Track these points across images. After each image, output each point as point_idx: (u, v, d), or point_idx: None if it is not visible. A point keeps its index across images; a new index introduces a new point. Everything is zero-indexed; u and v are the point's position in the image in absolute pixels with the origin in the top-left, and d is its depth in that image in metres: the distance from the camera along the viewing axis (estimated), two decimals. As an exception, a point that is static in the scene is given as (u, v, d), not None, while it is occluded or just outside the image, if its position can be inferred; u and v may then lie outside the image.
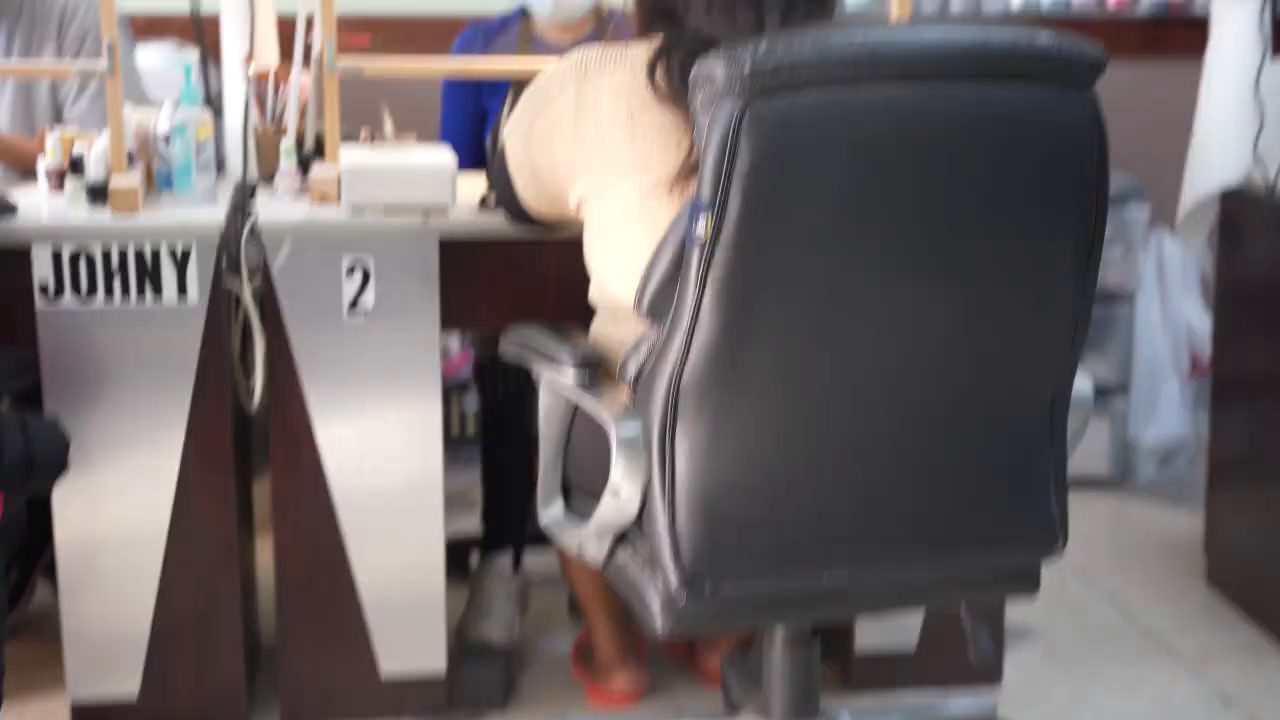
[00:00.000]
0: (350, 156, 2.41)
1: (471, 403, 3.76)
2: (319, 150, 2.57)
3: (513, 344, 2.24)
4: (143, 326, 2.37)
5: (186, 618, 2.46)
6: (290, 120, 2.58)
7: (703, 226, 1.79)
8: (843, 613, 2.35)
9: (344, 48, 2.48)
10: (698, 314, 1.83)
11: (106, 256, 2.34)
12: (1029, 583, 2.14)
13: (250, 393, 2.45)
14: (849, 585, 2.04)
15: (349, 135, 2.51)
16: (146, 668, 2.46)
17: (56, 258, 2.33)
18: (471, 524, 3.13)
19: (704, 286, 1.81)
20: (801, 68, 1.77)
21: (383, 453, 2.46)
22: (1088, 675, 2.78)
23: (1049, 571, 2.13)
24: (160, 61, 3.47)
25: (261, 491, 2.66)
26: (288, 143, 2.54)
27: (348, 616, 2.50)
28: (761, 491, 1.93)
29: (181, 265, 2.35)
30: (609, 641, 2.66)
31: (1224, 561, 3.12)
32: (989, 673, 2.69)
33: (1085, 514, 3.34)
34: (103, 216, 2.38)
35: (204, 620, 2.47)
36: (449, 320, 2.45)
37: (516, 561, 2.92)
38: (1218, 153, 3.13)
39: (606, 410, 1.98)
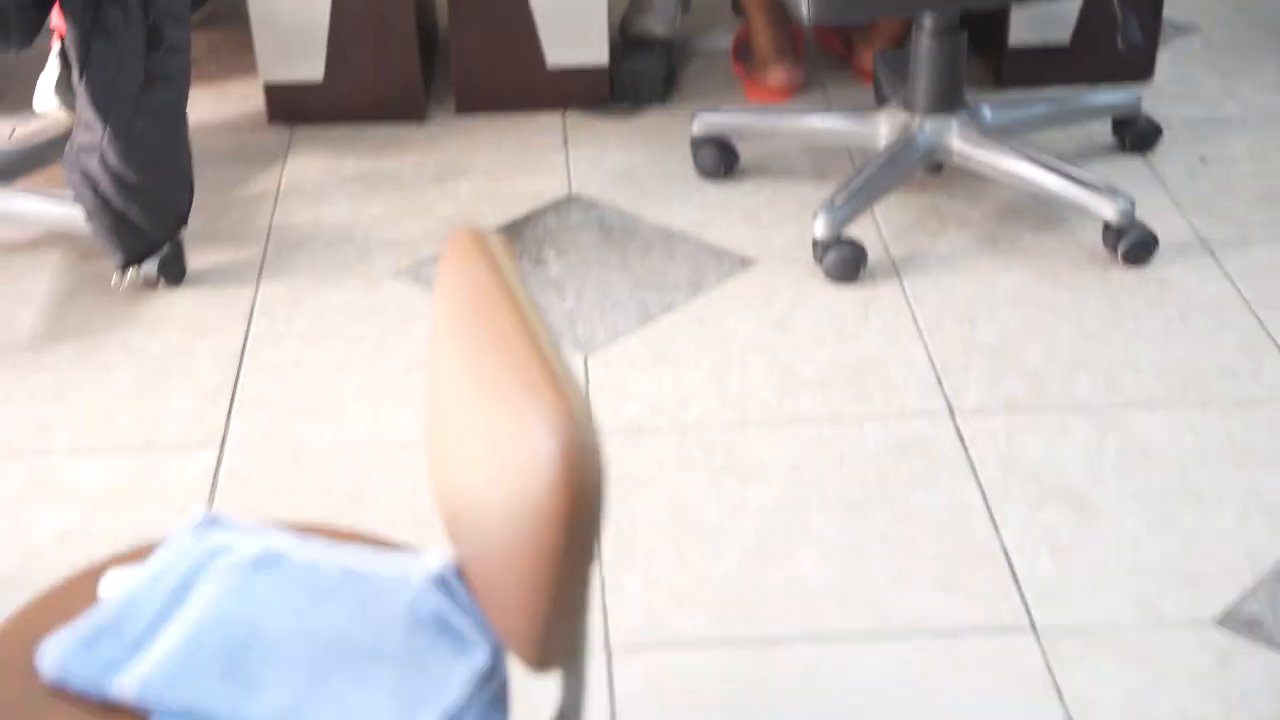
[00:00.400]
0: None
1: None
2: None
3: None
4: None
5: (363, 8, 2.59)
6: None
7: None
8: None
9: None
10: None
11: None
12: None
13: None
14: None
15: None
16: (329, 54, 2.61)
17: None
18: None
19: None
20: None
21: None
22: (1242, 70, 2.77)
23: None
24: None
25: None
26: None
27: (515, 9, 2.60)
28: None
29: None
30: (766, 38, 2.73)
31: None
32: (1141, 68, 2.71)
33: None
34: None
35: (379, 11, 2.59)
36: None
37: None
38: None
39: None
